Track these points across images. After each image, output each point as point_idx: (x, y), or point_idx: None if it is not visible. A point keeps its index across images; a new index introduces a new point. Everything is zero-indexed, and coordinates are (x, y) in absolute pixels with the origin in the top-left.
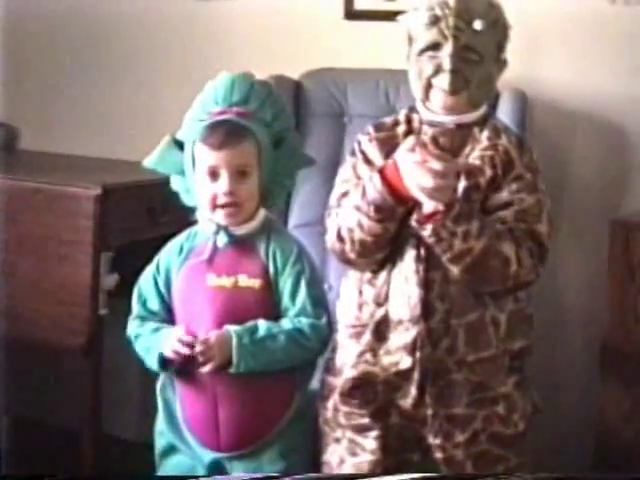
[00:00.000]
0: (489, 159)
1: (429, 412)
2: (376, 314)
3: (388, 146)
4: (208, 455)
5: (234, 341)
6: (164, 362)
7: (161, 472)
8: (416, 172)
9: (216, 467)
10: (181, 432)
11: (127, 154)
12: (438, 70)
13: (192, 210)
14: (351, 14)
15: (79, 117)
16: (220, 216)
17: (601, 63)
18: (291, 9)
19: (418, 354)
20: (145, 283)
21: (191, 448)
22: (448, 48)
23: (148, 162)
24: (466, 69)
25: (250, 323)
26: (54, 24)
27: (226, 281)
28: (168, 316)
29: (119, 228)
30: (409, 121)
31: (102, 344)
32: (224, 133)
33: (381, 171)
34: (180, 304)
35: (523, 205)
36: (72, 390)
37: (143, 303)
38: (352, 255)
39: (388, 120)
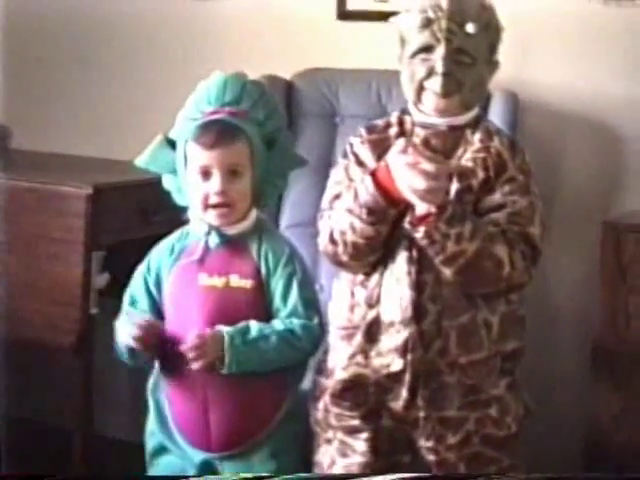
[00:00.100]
0: (481, 161)
1: (421, 414)
2: (368, 316)
3: (380, 148)
4: (198, 455)
5: (226, 341)
6: (132, 352)
7: (151, 472)
8: (408, 174)
9: (207, 467)
10: (171, 432)
11: (119, 154)
12: (430, 73)
13: (184, 210)
14: (344, 15)
15: (71, 117)
16: (212, 216)
17: (593, 64)
18: (284, 9)
19: (409, 356)
20: (135, 283)
21: (181, 448)
22: (440, 51)
23: (140, 161)
24: (458, 72)
25: (242, 324)
26: (47, 24)
27: (218, 281)
28: (158, 316)
29: (110, 227)
30: (401, 123)
31: (93, 343)
32: (216, 133)
33: (373, 173)
34: (171, 304)
35: (516, 207)
36: (63, 389)
37: (132, 303)
38: (345, 258)
39: (380, 122)
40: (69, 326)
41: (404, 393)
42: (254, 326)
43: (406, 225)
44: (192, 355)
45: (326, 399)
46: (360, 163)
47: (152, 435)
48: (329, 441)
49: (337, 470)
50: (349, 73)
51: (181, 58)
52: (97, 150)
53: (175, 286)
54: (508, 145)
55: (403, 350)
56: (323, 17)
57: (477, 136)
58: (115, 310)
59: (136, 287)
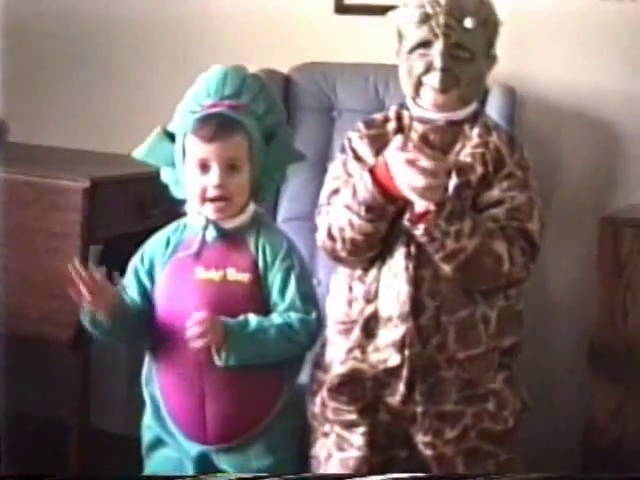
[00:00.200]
0: (480, 156)
1: (419, 409)
2: (365, 311)
3: (378, 143)
4: (195, 448)
5: (226, 330)
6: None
7: (148, 466)
8: (407, 172)
9: (203, 461)
10: (167, 425)
11: (116, 147)
12: (429, 68)
13: (181, 203)
14: (341, 8)
15: (68, 110)
16: (209, 210)
17: (592, 60)
18: (282, 3)
19: (407, 351)
20: (128, 272)
21: (177, 441)
22: (439, 46)
23: (138, 153)
24: (457, 67)
25: (241, 317)
26: (45, 20)
27: (215, 274)
28: (147, 305)
29: (108, 221)
30: (399, 118)
31: (90, 337)
32: (215, 126)
33: (371, 170)
34: (167, 297)
35: (514, 203)
36: (60, 383)
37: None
38: (343, 253)
39: (378, 116)
40: (66, 320)
41: (401, 388)
42: (253, 319)
43: (405, 222)
44: (194, 332)
45: (323, 393)
46: (358, 158)
47: (148, 429)
48: (326, 435)
49: (333, 464)
50: (347, 67)
51: (178, 52)
52: (94, 144)
53: (171, 279)
54: (506, 140)
55: (401, 345)
56: (321, 11)
57: (475, 131)
58: None
59: (127, 276)
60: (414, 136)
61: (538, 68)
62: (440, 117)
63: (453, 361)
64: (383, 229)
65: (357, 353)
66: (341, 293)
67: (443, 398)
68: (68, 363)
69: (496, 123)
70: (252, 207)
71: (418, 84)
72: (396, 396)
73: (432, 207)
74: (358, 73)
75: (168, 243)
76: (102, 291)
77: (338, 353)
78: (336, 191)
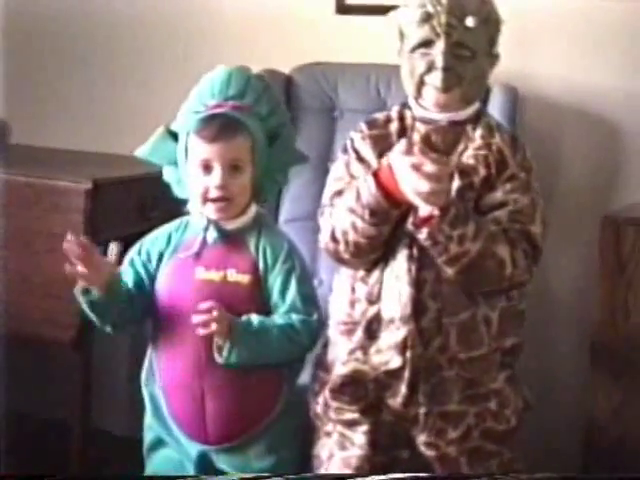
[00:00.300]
0: (483, 158)
1: (422, 410)
2: (368, 312)
3: (381, 144)
4: (195, 448)
5: (231, 326)
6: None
7: (149, 466)
8: (411, 176)
9: (204, 461)
10: (168, 425)
11: (118, 148)
12: (430, 67)
13: (183, 203)
14: (342, 8)
15: (70, 111)
16: (211, 210)
17: (593, 58)
18: (283, 3)
19: (409, 353)
20: (124, 262)
21: (178, 441)
22: (440, 45)
23: (141, 152)
24: (459, 66)
25: (244, 317)
26: (45, 20)
27: (215, 275)
28: (138, 294)
29: (109, 222)
30: (402, 118)
31: (92, 338)
32: (218, 126)
33: (375, 174)
34: (167, 297)
35: (517, 206)
36: (62, 384)
37: None
38: (346, 255)
39: (380, 116)
40: (68, 321)
41: (403, 390)
42: (255, 319)
43: (409, 226)
44: (203, 318)
45: (326, 393)
46: (361, 159)
47: (149, 429)
48: (328, 434)
49: (335, 463)
50: (348, 67)
51: (180, 53)
52: (96, 145)
53: (171, 279)
54: (509, 141)
55: (402, 347)
56: (322, 11)
57: (478, 132)
58: None
59: (124, 265)
60: (416, 137)
61: (539, 67)
62: (442, 117)
63: (455, 361)
64: (386, 232)
65: (359, 354)
66: (344, 294)
67: (445, 398)
68: (69, 364)
69: (498, 123)
70: (254, 208)
71: (420, 84)
72: (398, 398)
73: (436, 211)
74: (360, 73)
75: (169, 240)
76: (97, 264)
77: (340, 354)
78: (339, 192)
